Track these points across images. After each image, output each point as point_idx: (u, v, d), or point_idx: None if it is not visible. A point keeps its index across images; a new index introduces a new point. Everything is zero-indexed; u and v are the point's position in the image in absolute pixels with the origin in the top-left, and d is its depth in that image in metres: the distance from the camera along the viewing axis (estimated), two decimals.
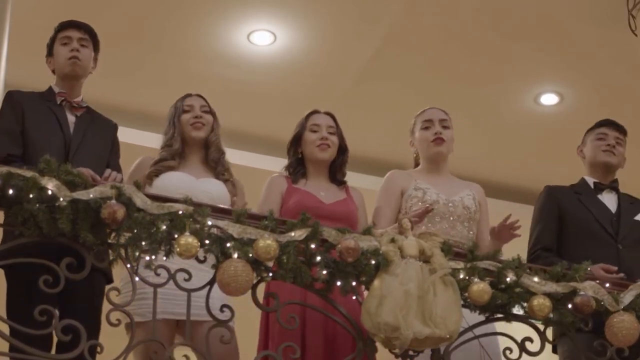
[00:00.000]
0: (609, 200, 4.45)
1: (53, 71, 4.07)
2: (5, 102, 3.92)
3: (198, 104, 4.17)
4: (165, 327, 3.65)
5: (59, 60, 4.02)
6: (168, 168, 4.01)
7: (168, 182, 3.94)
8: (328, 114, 4.30)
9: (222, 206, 3.42)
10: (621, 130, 4.58)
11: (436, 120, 4.31)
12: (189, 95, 4.23)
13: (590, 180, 4.50)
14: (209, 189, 3.98)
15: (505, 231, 3.96)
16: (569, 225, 4.34)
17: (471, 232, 4.13)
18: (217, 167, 4.10)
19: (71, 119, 3.93)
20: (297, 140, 4.23)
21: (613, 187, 4.49)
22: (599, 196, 4.45)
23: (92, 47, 4.09)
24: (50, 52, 4.08)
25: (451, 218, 4.10)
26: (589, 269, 3.73)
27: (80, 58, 4.00)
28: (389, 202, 4.18)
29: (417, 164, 4.38)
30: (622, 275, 4.00)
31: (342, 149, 4.25)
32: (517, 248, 4.13)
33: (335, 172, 4.23)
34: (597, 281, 3.67)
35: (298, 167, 4.21)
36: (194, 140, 4.11)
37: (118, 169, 3.85)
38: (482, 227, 4.23)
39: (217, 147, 4.13)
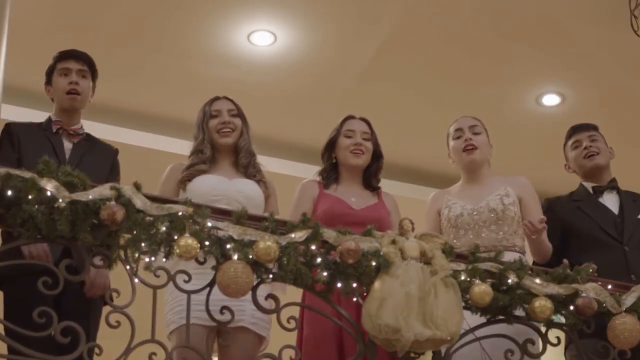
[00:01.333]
0: (611, 201, 4.43)
1: (52, 99, 4.09)
2: (3, 133, 3.96)
3: (226, 108, 4.15)
4: (199, 332, 3.59)
5: (57, 92, 4.07)
6: (200, 172, 4.00)
7: (202, 185, 3.94)
8: (364, 119, 4.32)
9: (222, 207, 3.41)
10: (590, 127, 4.58)
11: (466, 127, 4.34)
12: (217, 99, 4.20)
13: (589, 185, 4.49)
14: (243, 189, 3.98)
15: (537, 232, 3.99)
16: (572, 236, 4.33)
17: (501, 233, 4.13)
18: (247, 169, 4.08)
19: (67, 145, 3.98)
20: (331, 145, 4.25)
21: (612, 187, 4.47)
22: (600, 199, 4.43)
23: (91, 77, 4.13)
24: (49, 81, 4.12)
25: (476, 227, 4.13)
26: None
27: (80, 91, 4.04)
28: (430, 224, 4.25)
29: None
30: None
31: (377, 155, 4.26)
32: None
33: (370, 178, 4.25)
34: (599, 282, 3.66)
35: (331, 172, 4.23)
36: (222, 146, 4.10)
37: None
38: (530, 217, 4.15)
39: (247, 151, 4.11)
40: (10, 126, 3.98)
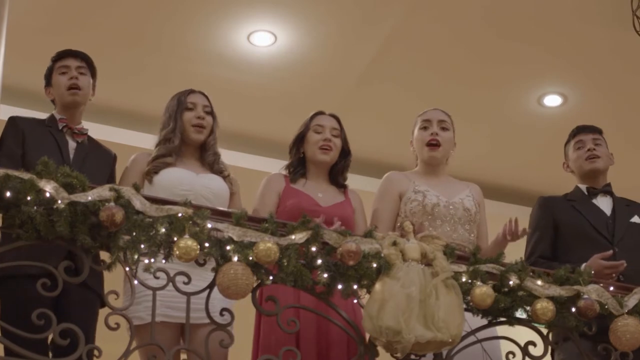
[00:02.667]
0: (604, 204, 4.45)
1: (52, 101, 4.09)
2: (7, 126, 3.94)
3: (201, 103, 4.13)
4: (166, 330, 3.62)
5: (58, 90, 4.05)
6: (166, 164, 3.98)
7: (169, 177, 3.92)
8: (333, 116, 4.27)
9: (222, 209, 3.40)
10: (595, 130, 4.58)
11: (435, 120, 4.27)
12: (192, 92, 4.18)
13: (584, 187, 4.50)
14: (210, 184, 3.98)
15: (513, 236, 3.94)
16: (564, 233, 4.34)
17: (472, 235, 4.11)
18: (213, 166, 4.08)
19: (72, 144, 3.97)
20: (300, 140, 4.21)
21: (607, 191, 4.48)
22: (594, 201, 4.45)
23: (90, 74, 4.12)
24: (49, 83, 4.11)
25: (452, 221, 4.07)
26: (583, 266, 3.76)
27: (80, 86, 4.03)
28: (388, 206, 4.14)
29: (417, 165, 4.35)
30: (622, 262, 3.98)
31: (345, 153, 4.22)
32: (519, 252, 4.11)
33: (336, 175, 4.20)
34: (601, 283, 3.65)
35: (298, 166, 4.19)
36: (193, 141, 4.09)
37: None
38: (482, 229, 4.22)
39: (214, 151, 4.11)
40: (15, 120, 3.96)
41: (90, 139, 4.06)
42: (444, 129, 4.26)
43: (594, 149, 4.49)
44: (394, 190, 4.17)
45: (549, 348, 3.66)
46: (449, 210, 4.08)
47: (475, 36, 6.24)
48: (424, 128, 4.26)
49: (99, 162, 3.98)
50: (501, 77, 6.62)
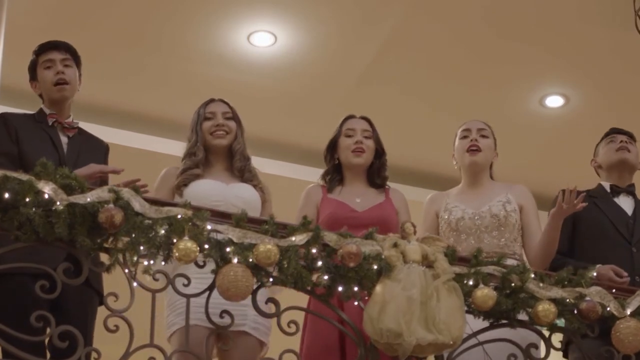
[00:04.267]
0: (626, 203, 4.44)
1: (40, 95, 4.05)
2: None
3: (220, 111, 4.11)
4: (199, 335, 3.54)
5: (45, 85, 4.00)
6: (195, 176, 3.96)
7: (199, 190, 3.90)
8: (364, 118, 4.30)
9: (221, 210, 3.38)
10: (630, 135, 4.61)
11: (474, 129, 4.33)
12: (211, 101, 4.16)
13: (607, 185, 4.49)
14: (241, 194, 3.95)
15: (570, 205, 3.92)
16: (583, 228, 4.32)
17: (502, 240, 4.10)
18: (243, 174, 4.04)
19: (64, 139, 3.93)
20: (333, 146, 4.23)
21: (630, 191, 4.47)
22: (616, 199, 4.43)
23: (75, 65, 4.07)
24: (33, 77, 4.06)
25: (477, 232, 4.10)
26: (597, 267, 3.73)
27: (68, 81, 3.99)
28: (427, 226, 4.21)
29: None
30: (627, 279, 3.95)
31: (379, 153, 4.23)
32: None
33: (374, 176, 4.21)
34: (602, 282, 3.63)
35: (334, 174, 4.21)
36: (216, 147, 4.06)
37: None
38: (530, 229, 4.18)
39: (242, 155, 4.07)
40: (5, 116, 3.93)
41: (81, 131, 4.02)
42: (483, 136, 4.32)
43: (626, 143, 4.50)
44: (432, 210, 4.26)
45: (551, 350, 3.64)
46: (475, 221, 4.11)
47: (475, 36, 6.23)
48: (464, 137, 4.31)
49: (92, 155, 3.93)
50: (502, 78, 6.61)
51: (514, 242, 4.13)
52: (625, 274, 3.99)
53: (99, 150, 4.03)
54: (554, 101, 6.89)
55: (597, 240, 4.26)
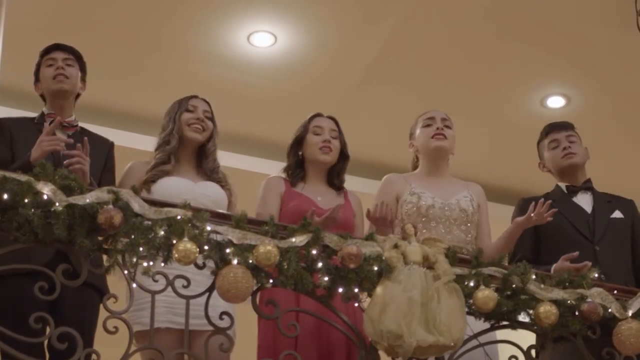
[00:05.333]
0: (584, 201, 4.42)
1: (42, 96, 4.05)
2: None
3: (202, 108, 4.13)
4: (169, 336, 3.59)
5: (45, 81, 4.02)
6: (164, 173, 3.96)
7: (168, 187, 3.90)
8: (331, 118, 4.30)
9: (221, 211, 3.37)
10: (568, 126, 4.55)
11: (438, 118, 4.31)
12: (195, 97, 4.18)
13: (563, 185, 4.47)
14: (209, 193, 3.96)
15: (539, 217, 3.93)
16: (545, 234, 4.29)
17: (469, 235, 4.11)
18: (212, 175, 4.05)
19: (62, 138, 3.88)
20: (298, 142, 4.22)
21: (587, 187, 4.43)
22: (574, 199, 4.41)
23: (79, 67, 4.08)
24: (37, 78, 4.08)
25: (447, 222, 4.08)
26: (552, 267, 3.76)
27: (67, 75, 3.99)
28: None
29: (415, 167, 4.34)
30: (585, 263, 3.92)
31: (343, 156, 4.24)
32: None
33: (333, 177, 4.21)
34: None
35: (297, 169, 4.20)
36: (190, 141, 4.07)
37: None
38: (483, 229, 4.20)
39: (214, 157, 4.09)
40: (1, 121, 3.93)
41: (83, 130, 4.01)
42: (447, 127, 4.29)
43: (570, 147, 4.46)
44: (392, 192, 4.18)
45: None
46: (444, 211, 4.08)
47: (476, 37, 6.22)
48: (428, 125, 4.29)
49: (94, 152, 3.91)
50: (503, 78, 6.60)
51: (475, 239, 4.14)
52: (576, 253, 3.97)
53: (101, 147, 4.01)
54: (555, 102, 6.87)
55: (559, 244, 4.22)
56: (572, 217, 4.32)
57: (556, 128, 4.54)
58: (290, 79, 6.61)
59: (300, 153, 4.21)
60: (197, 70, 6.43)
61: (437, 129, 4.24)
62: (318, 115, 4.28)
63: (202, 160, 4.08)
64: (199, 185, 3.97)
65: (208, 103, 4.19)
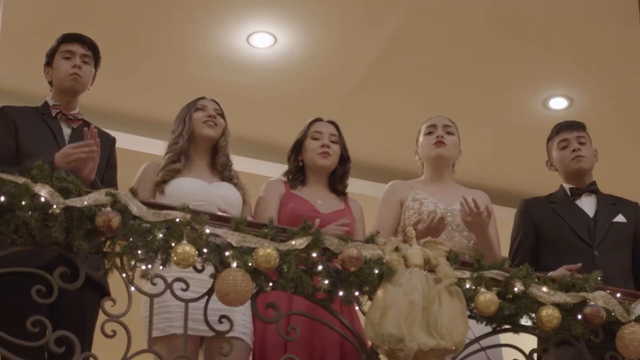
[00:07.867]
0: (588, 204, 4.37)
1: (50, 82, 4.01)
2: None
3: (212, 106, 4.14)
4: (187, 342, 3.53)
5: (58, 74, 3.98)
6: (175, 172, 3.94)
7: (181, 188, 3.88)
8: (331, 122, 4.29)
9: (220, 214, 3.35)
10: (579, 126, 4.51)
11: (440, 125, 4.31)
12: (203, 98, 4.19)
13: (567, 187, 4.43)
14: (224, 194, 3.95)
15: (473, 216, 3.93)
16: (545, 238, 4.28)
17: (471, 242, 4.09)
18: (224, 171, 4.03)
19: (67, 131, 3.90)
20: (298, 147, 4.23)
21: (591, 190, 4.40)
22: (577, 202, 4.37)
23: (94, 63, 4.06)
24: (49, 63, 4.02)
25: (449, 228, 4.08)
26: (549, 274, 3.69)
27: (82, 75, 3.96)
28: (389, 214, 4.16)
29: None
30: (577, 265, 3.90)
31: (344, 159, 4.23)
32: None
33: (335, 182, 4.20)
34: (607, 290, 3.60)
35: (297, 174, 4.20)
36: (204, 138, 4.06)
37: (113, 184, 3.77)
38: (491, 235, 4.14)
39: (225, 153, 4.08)
40: (4, 110, 3.89)
41: (86, 123, 3.97)
42: (449, 133, 4.29)
43: (579, 149, 4.42)
44: (396, 198, 4.20)
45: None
46: (446, 218, 4.05)
47: (478, 38, 6.21)
48: (430, 133, 4.30)
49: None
50: (506, 80, 6.60)
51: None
52: (579, 265, 3.92)
53: (104, 143, 3.97)
54: (558, 103, 6.87)
55: (559, 249, 4.20)
56: (573, 222, 4.28)
57: (567, 127, 4.50)
58: (290, 80, 6.60)
59: (300, 158, 4.22)
60: (195, 72, 6.42)
61: (438, 136, 4.25)
62: (318, 120, 4.28)
63: (215, 159, 4.07)
64: (214, 186, 3.96)
65: (217, 103, 4.19)
